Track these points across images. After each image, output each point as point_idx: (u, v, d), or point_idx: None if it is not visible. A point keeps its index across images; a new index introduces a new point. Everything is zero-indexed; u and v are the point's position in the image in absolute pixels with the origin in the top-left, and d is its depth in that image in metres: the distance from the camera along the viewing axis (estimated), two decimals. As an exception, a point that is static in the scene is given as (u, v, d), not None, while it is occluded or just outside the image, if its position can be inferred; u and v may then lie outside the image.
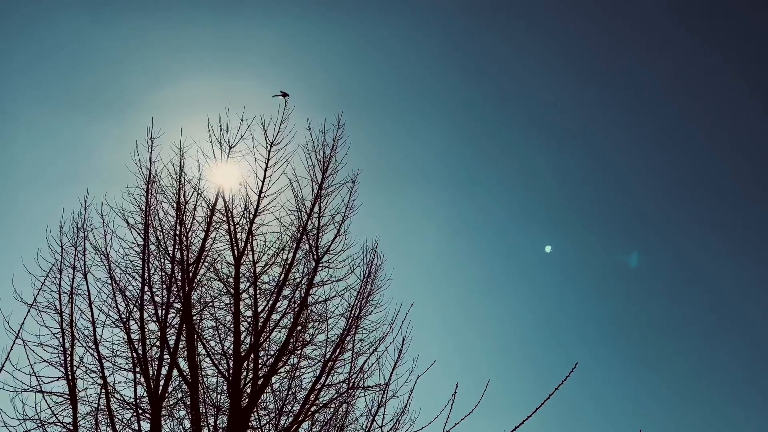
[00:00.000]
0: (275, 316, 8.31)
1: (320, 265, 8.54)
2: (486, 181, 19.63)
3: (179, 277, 8.06)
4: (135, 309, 7.90)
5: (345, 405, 8.04)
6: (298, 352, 8.30)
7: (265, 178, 8.62)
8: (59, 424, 7.41)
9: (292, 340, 8.21)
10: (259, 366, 8.07)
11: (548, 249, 18.98)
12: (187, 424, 8.00)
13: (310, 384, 8.02)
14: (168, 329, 7.89)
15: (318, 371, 8.07)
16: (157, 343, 7.86)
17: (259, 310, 8.32)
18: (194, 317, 8.10)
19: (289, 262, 8.48)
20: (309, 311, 8.47)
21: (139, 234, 8.21)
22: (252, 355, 8.06)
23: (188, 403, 7.90)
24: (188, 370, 7.86)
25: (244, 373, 8.01)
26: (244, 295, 8.41)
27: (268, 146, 8.68)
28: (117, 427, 7.54)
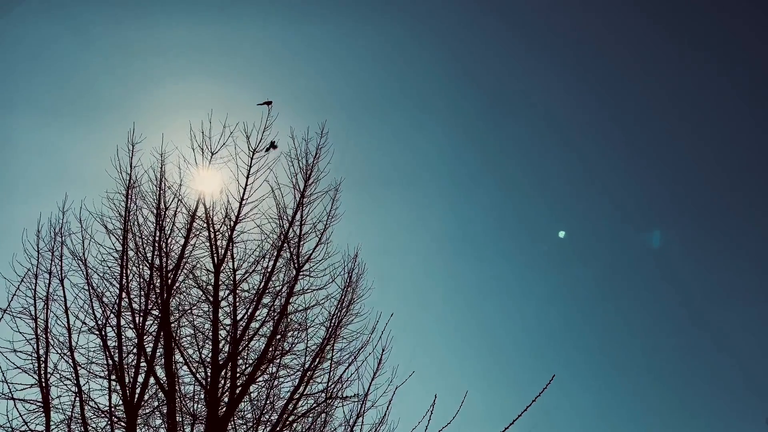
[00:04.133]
0: (254, 325, 8.26)
1: (301, 273, 8.50)
2: (470, 190, 19.73)
3: (158, 284, 7.97)
4: (112, 315, 7.79)
5: (324, 415, 7.99)
6: (277, 361, 8.24)
7: (246, 185, 8.60)
8: (31, 432, 7.27)
9: (271, 349, 8.15)
10: (238, 375, 8.00)
11: (562, 234, 18.99)
12: (162, 432, 7.90)
13: (289, 393, 7.97)
14: (145, 336, 7.79)
15: (297, 380, 8.02)
16: (134, 351, 7.76)
17: (239, 318, 8.26)
18: (172, 324, 8.02)
19: (269, 270, 8.43)
20: (289, 320, 8.42)
21: (117, 240, 8.12)
22: (230, 364, 7.99)
23: (165, 411, 7.79)
24: (165, 378, 7.76)
25: (222, 381, 7.93)
26: (224, 303, 8.36)
27: (251, 153, 8.66)
28: (91, 435, 7.41)
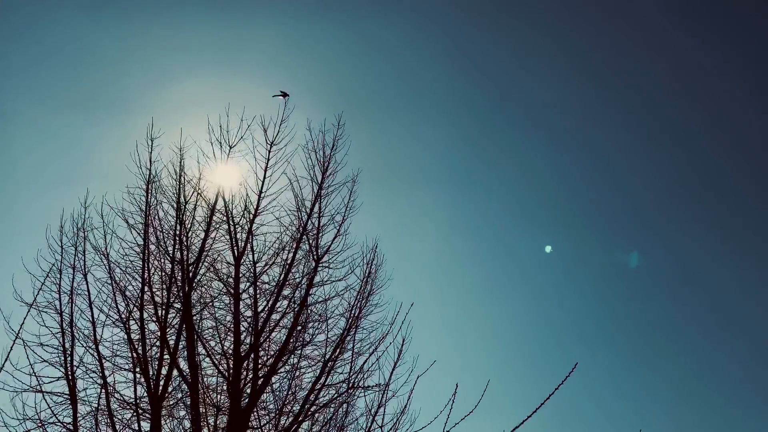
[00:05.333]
0: (275, 316, 8.31)
1: (320, 265, 8.54)
2: (486, 181, 19.64)
3: (179, 277, 8.06)
4: (135, 309, 7.90)
5: (345, 405, 8.03)
6: (298, 352, 8.30)
7: (265, 178, 8.63)
8: (59, 424, 7.42)
9: (292, 340, 8.21)
10: (259, 366, 8.06)
11: (548, 249, 18.99)
12: (187, 424, 8.01)
13: (310, 384, 8.02)
14: (168, 329, 7.89)
15: (318, 371, 8.07)
16: (157, 343, 7.86)
17: (259, 310, 8.31)
18: (194, 317, 8.10)
19: (289, 262, 8.48)
20: (309, 311, 8.47)
21: (139, 234, 8.22)
22: (252, 355, 8.06)
23: (188, 403, 7.90)
24: (188, 370, 7.85)
25: (244, 373, 8.00)
26: (244, 295, 8.41)
27: (268, 146, 8.69)
28: (117, 427, 7.54)
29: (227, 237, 8.47)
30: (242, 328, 8.24)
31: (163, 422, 7.63)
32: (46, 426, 7.37)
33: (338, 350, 8.14)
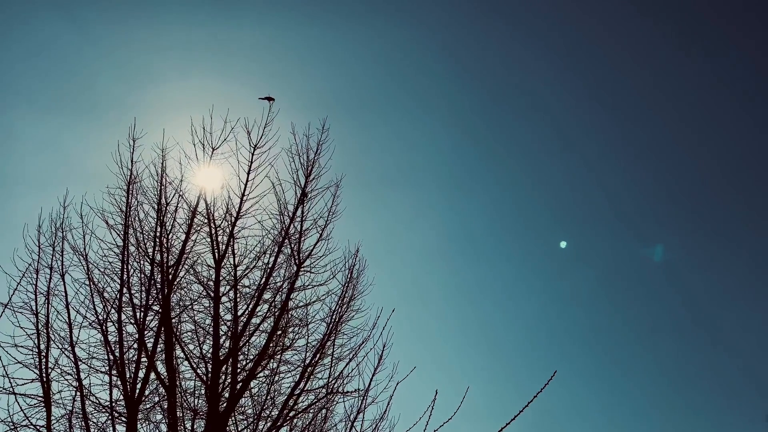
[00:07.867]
0: (255, 320, 8.27)
1: (302, 269, 8.51)
2: (472, 186, 19.72)
3: (158, 279, 7.98)
4: (113, 311, 7.80)
5: (324, 410, 8.00)
6: (278, 356, 8.25)
7: (247, 181, 8.58)
8: (32, 426, 7.27)
9: (271, 345, 8.16)
10: (238, 370, 8.01)
11: (563, 244, 18.96)
12: (163, 428, 7.91)
13: (290, 389, 7.98)
14: (146, 332, 7.80)
15: (297, 376, 8.03)
16: (135, 346, 7.77)
17: (239, 313, 8.27)
18: (173, 320, 8.02)
19: (270, 266, 8.44)
20: (289, 316, 8.43)
21: (118, 235, 8.12)
22: (231, 359, 8.00)
23: (165, 406, 7.81)
24: (166, 373, 7.77)
25: (223, 377, 7.94)
26: (224, 299, 8.36)
27: (252, 149, 8.65)
28: (92, 430, 7.43)
29: (208, 240, 8.42)
30: (222, 332, 8.19)
31: (139, 426, 7.54)
32: (18, 429, 7.23)
33: (318, 355, 8.11)
